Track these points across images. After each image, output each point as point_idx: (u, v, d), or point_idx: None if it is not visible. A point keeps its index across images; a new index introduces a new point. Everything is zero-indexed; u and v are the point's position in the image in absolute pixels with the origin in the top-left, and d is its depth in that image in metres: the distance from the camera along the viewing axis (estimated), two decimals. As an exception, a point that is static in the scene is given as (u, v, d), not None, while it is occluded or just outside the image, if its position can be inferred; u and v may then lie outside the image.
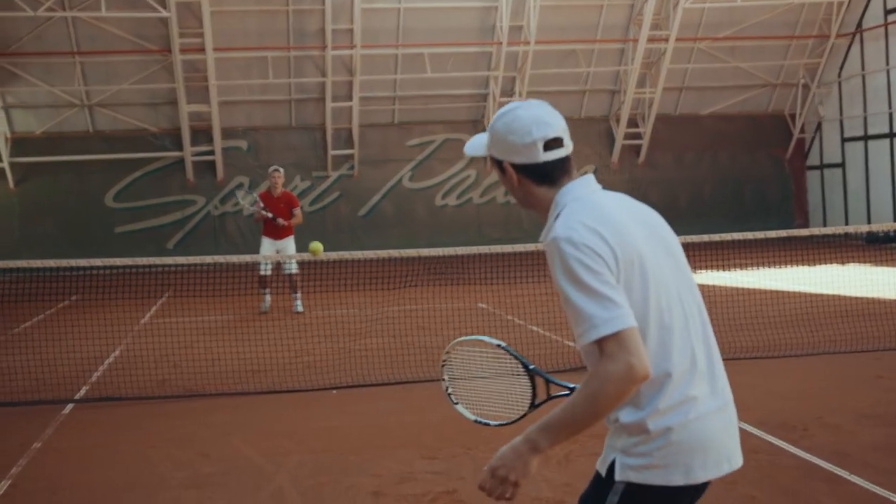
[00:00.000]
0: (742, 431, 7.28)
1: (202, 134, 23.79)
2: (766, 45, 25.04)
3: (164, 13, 20.87)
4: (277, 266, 15.37)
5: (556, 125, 3.00)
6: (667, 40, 23.32)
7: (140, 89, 23.33)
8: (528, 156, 2.99)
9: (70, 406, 8.91)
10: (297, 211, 15.19)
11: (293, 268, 15.01)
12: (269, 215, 14.81)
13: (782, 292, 14.44)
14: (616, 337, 2.71)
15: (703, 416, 2.89)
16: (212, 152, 23.89)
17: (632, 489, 2.89)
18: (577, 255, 2.79)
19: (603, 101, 25.61)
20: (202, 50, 21.86)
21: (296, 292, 15.14)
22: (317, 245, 9.74)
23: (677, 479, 2.86)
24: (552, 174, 3.02)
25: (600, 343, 2.73)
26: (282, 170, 15.48)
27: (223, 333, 12.52)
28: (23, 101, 23.24)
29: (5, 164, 22.99)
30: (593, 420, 2.78)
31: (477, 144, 3.20)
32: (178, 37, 21.45)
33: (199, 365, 10.33)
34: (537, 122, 2.98)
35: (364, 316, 13.67)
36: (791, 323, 11.70)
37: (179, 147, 23.85)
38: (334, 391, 9.26)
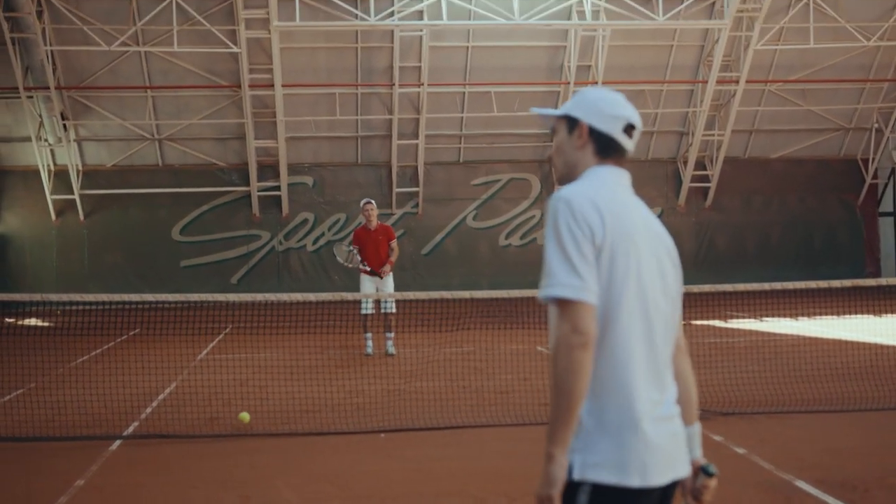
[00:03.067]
0: (799, 490, 7.07)
1: (269, 169, 23.98)
2: (839, 89, 24.61)
3: (235, 49, 21.12)
4: (376, 304, 14.80)
5: (638, 120, 3.30)
6: (737, 82, 23.02)
7: (209, 124, 23.60)
8: (610, 126, 3.24)
9: (118, 442, 8.90)
10: (395, 244, 14.80)
11: (391, 307, 14.56)
12: (368, 269, 14.45)
13: (849, 342, 14.04)
14: (568, 303, 2.91)
15: (653, 419, 2.98)
16: (278, 188, 24.06)
17: (594, 490, 2.93)
18: (568, 218, 2.98)
19: (671, 143, 25.34)
20: (271, 86, 22.05)
21: (390, 332, 14.70)
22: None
23: (634, 480, 2.92)
24: (611, 153, 3.26)
25: (558, 305, 2.93)
26: (373, 202, 15.08)
27: (278, 371, 12.42)
28: (95, 134, 23.62)
29: (76, 196, 23.37)
30: (569, 395, 2.86)
31: (548, 110, 3.40)
32: (247, 72, 21.67)
33: (251, 403, 10.29)
34: (627, 107, 3.27)
35: (420, 356, 13.55)
36: (857, 375, 11.34)
37: (246, 182, 24.06)
38: (382, 434, 9.13)
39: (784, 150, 25.67)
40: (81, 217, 23.72)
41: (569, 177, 3.28)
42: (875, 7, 22.86)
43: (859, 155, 25.94)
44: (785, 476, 7.35)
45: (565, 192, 3.06)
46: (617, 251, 2.99)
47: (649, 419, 2.96)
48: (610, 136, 3.23)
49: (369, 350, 14.67)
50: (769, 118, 25.05)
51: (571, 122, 3.28)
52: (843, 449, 8.29)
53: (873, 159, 25.61)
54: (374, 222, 14.73)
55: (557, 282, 2.91)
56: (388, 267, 14.58)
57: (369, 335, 14.74)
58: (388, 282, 14.66)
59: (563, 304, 2.91)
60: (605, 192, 3.11)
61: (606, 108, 3.24)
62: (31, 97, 21.98)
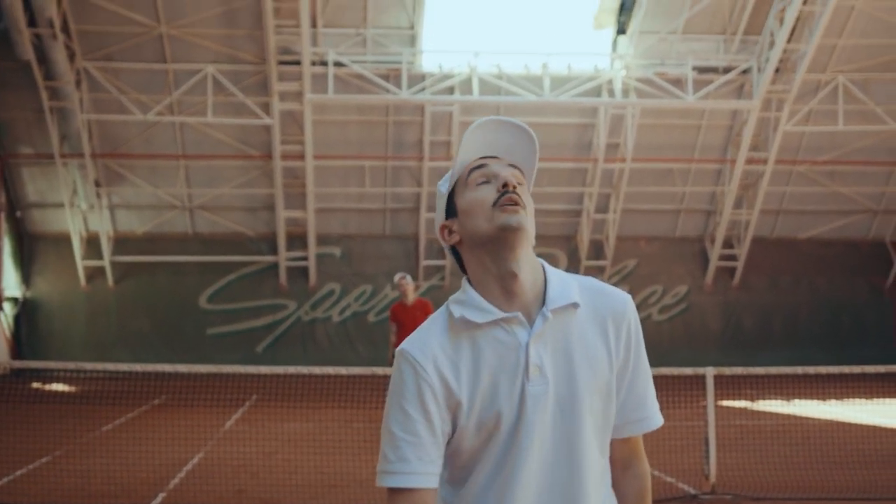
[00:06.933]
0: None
1: (297, 239, 24.13)
2: (867, 171, 24.62)
3: (268, 120, 21.38)
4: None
5: None
6: (765, 162, 23.09)
7: (240, 193, 23.82)
8: None
9: (146, 513, 8.88)
10: None
11: None
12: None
13: (881, 428, 13.88)
14: None
15: None
16: (306, 258, 24.19)
17: None
18: None
19: (698, 221, 25.36)
20: (302, 157, 22.29)
21: None
22: None
23: None
24: None
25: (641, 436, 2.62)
26: (409, 276, 14.49)
27: (305, 444, 12.40)
28: (127, 202, 23.86)
29: (106, 263, 23.55)
30: None
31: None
32: (279, 143, 21.92)
33: (277, 476, 10.26)
34: None
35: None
36: (891, 462, 11.20)
37: (274, 251, 24.21)
38: (411, 512, 9.05)
39: (812, 230, 25.62)
40: (111, 283, 23.88)
41: (529, 263, 2.45)
42: (904, 91, 22.96)
43: (888, 238, 25.86)
44: (820, 566, 7.24)
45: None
46: None
47: None
48: None
49: None
50: (797, 199, 25.05)
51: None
52: (877, 539, 8.16)
53: (902, 242, 25.52)
54: (411, 297, 14.25)
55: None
56: None
57: None
58: None
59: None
60: None
61: None
62: (66, 164, 22.29)
